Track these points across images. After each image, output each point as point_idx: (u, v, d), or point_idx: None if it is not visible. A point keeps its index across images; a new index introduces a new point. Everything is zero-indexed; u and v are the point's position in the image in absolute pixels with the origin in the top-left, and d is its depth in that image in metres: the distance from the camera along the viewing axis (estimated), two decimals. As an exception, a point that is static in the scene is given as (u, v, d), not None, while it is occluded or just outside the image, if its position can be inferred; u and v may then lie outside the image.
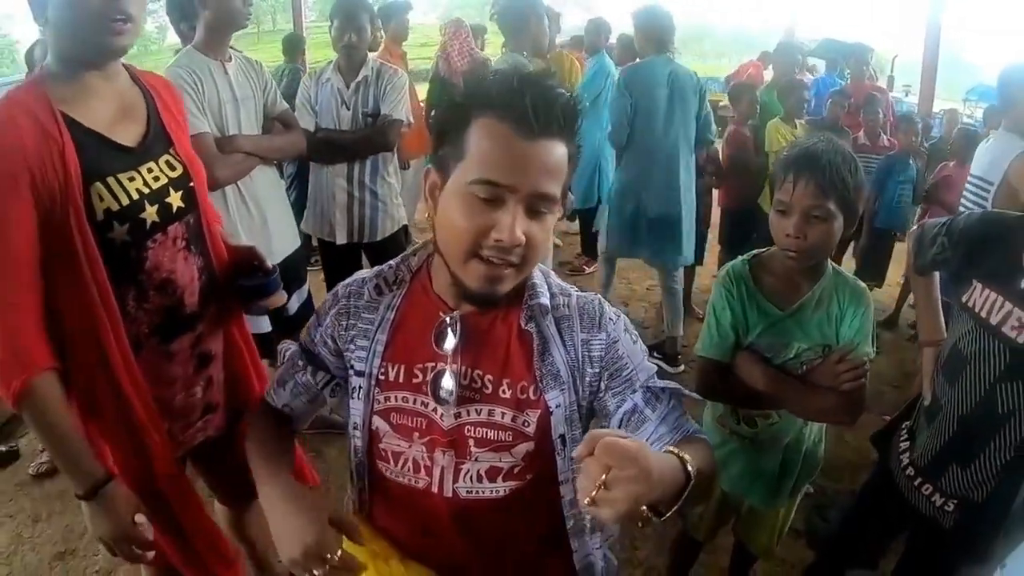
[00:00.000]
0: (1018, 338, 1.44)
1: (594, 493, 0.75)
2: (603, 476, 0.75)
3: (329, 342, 1.20)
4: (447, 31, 5.29)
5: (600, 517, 0.76)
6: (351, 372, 1.18)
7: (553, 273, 1.19)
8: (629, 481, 0.75)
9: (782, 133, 4.22)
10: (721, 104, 6.76)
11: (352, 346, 1.17)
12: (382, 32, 4.55)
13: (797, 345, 1.62)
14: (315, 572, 0.99)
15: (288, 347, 1.27)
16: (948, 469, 1.60)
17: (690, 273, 4.63)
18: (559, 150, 0.99)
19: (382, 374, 1.14)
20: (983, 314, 1.51)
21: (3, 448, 3.27)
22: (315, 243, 3.41)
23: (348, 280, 1.22)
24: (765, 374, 1.62)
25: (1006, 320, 1.46)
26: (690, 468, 0.87)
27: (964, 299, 1.57)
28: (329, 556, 1.00)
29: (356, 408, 1.17)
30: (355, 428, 1.18)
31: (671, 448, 0.90)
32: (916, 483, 1.68)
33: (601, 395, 1.12)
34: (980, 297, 1.52)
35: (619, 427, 1.10)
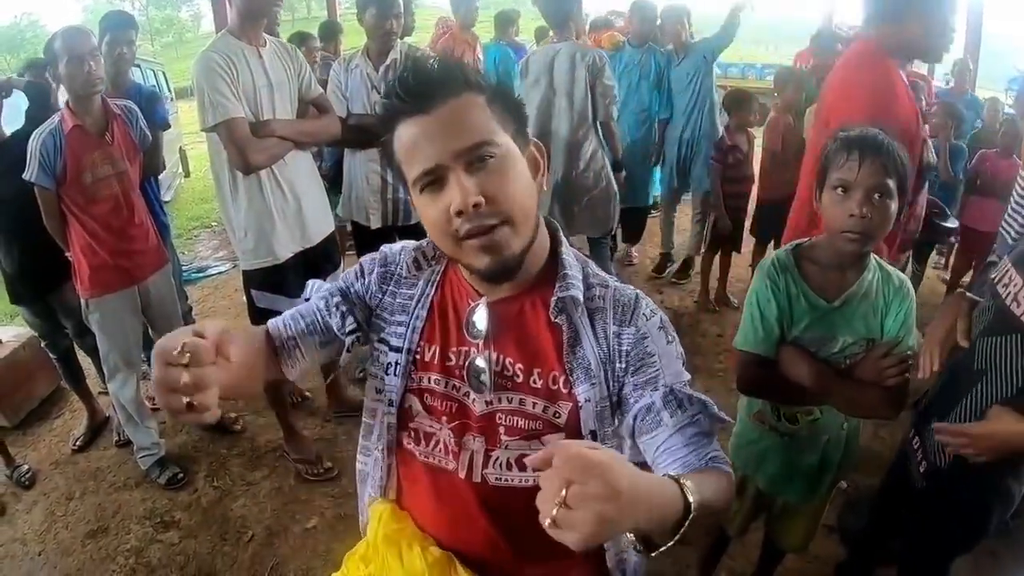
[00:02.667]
0: (1004, 293, 1.49)
1: (554, 512, 0.66)
2: (563, 492, 0.66)
3: (368, 300, 1.18)
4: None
5: (564, 542, 0.67)
6: (386, 348, 1.16)
7: (592, 263, 1.16)
8: (593, 499, 0.65)
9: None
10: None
11: (390, 318, 1.16)
12: (414, 17, 4.56)
13: (843, 339, 1.58)
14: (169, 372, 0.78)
15: (318, 284, 1.22)
16: (930, 421, 1.62)
17: (725, 263, 4.59)
18: (462, 105, 0.98)
19: (419, 353, 1.14)
20: (993, 274, 1.58)
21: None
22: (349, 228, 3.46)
23: (395, 246, 1.21)
24: (813, 369, 1.57)
25: (1000, 277, 1.53)
26: (690, 497, 0.79)
27: None
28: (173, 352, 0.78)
29: (392, 384, 1.15)
30: (390, 404, 1.17)
31: (670, 473, 0.83)
32: (911, 436, 1.72)
33: (624, 389, 1.09)
34: (999, 260, 1.61)
35: (632, 424, 1.05)
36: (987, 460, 1.44)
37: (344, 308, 1.16)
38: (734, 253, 4.59)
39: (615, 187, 3.73)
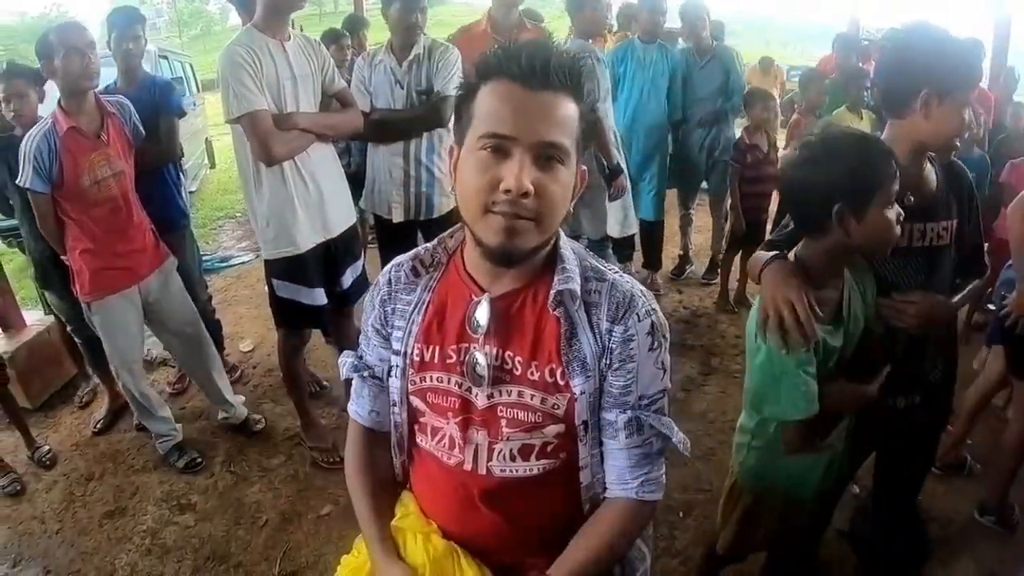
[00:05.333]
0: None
1: None
2: None
3: (380, 329, 1.23)
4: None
5: None
6: (390, 352, 1.20)
7: (591, 255, 1.18)
8: None
9: (848, 123, 4.09)
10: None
11: (392, 327, 1.20)
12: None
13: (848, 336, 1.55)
14: None
15: (346, 359, 1.30)
16: None
17: (746, 263, 4.53)
18: (563, 103, 1.00)
19: (417, 355, 1.16)
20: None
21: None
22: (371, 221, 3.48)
23: (387, 267, 1.24)
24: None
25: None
26: None
27: None
28: None
29: (395, 386, 1.21)
30: (394, 405, 1.22)
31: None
32: None
33: (603, 383, 1.11)
34: None
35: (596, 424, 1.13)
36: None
37: (370, 369, 1.26)
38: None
39: (601, 186, 3.79)
